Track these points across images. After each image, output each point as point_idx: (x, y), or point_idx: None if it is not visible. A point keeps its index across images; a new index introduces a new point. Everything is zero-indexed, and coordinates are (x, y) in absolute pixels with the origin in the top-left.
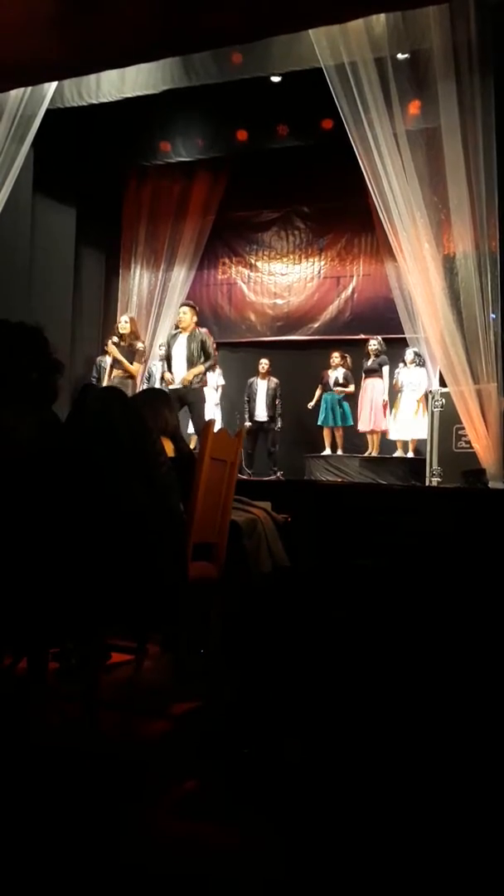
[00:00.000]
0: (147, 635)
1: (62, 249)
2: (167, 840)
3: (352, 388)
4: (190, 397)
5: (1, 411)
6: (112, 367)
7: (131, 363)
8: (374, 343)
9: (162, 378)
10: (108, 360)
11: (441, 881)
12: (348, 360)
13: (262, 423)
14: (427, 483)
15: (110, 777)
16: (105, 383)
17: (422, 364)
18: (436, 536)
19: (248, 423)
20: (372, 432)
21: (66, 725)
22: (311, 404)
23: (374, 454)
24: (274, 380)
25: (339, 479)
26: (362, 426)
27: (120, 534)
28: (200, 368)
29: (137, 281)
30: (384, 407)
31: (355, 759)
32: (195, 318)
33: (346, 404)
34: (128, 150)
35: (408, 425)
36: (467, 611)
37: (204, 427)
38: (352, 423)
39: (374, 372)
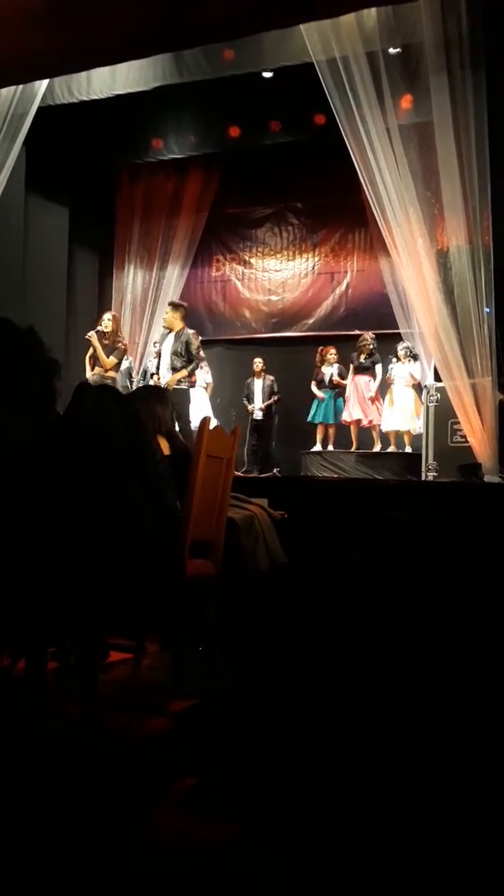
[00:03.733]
0: (145, 633)
1: (55, 248)
2: (168, 837)
3: (346, 382)
4: (173, 398)
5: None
6: (95, 361)
7: (108, 357)
8: (364, 340)
9: (152, 377)
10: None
11: (442, 877)
12: (340, 356)
13: (259, 421)
14: (423, 478)
15: (110, 775)
16: (88, 377)
17: (415, 357)
18: (432, 531)
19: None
20: (360, 426)
21: (66, 724)
22: (311, 413)
23: (378, 449)
24: (269, 377)
25: (336, 475)
26: (346, 417)
27: (117, 532)
28: (182, 374)
29: (131, 279)
30: (373, 401)
31: (355, 755)
32: (180, 319)
33: (339, 400)
34: (120, 148)
35: (403, 417)
36: (465, 604)
37: (200, 424)
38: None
39: (367, 370)
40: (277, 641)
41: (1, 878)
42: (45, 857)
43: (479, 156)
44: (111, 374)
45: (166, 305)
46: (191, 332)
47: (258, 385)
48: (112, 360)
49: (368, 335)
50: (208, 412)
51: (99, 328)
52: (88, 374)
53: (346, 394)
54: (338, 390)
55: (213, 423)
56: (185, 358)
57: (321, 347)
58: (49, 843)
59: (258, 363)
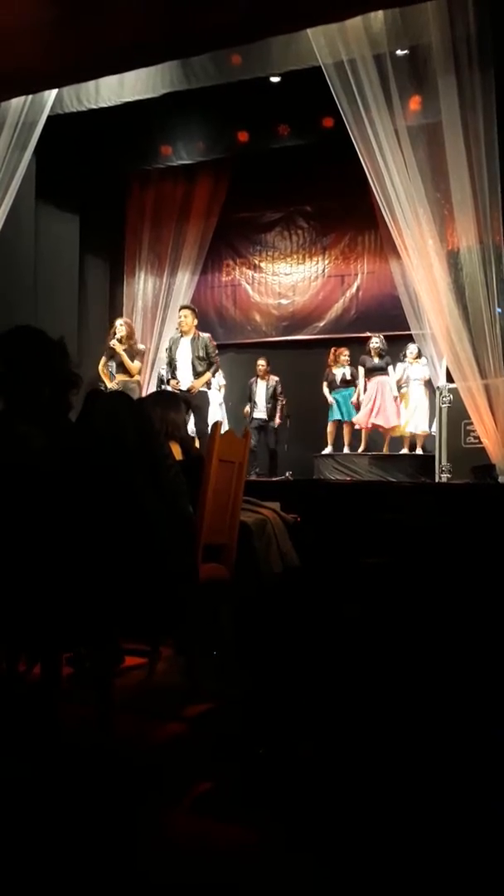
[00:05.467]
0: (159, 638)
1: (66, 257)
2: (183, 841)
3: (359, 383)
4: (195, 401)
5: (14, 420)
6: (115, 370)
7: (132, 361)
8: (376, 341)
9: (168, 383)
10: (111, 362)
11: (458, 878)
12: (351, 358)
13: (263, 422)
14: (436, 480)
15: (126, 780)
16: (111, 387)
17: (424, 361)
18: (446, 533)
19: (248, 413)
20: (379, 428)
21: (81, 729)
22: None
23: (387, 451)
24: (274, 378)
25: (348, 478)
26: (362, 421)
27: (130, 537)
28: (208, 376)
29: (142, 286)
30: (396, 402)
31: (370, 758)
32: (195, 321)
33: (351, 390)
34: (129, 155)
35: (419, 418)
36: (479, 607)
37: (211, 429)
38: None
39: (381, 370)
40: (291, 645)
41: (16, 882)
42: (60, 862)
43: (489, 155)
44: (136, 378)
45: (181, 309)
46: (206, 335)
47: (261, 385)
48: (137, 364)
49: (378, 337)
50: (222, 415)
51: (117, 335)
52: (109, 384)
53: (364, 397)
54: (353, 390)
55: (224, 426)
56: (207, 361)
57: (334, 348)
58: (64, 847)
59: (261, 365)
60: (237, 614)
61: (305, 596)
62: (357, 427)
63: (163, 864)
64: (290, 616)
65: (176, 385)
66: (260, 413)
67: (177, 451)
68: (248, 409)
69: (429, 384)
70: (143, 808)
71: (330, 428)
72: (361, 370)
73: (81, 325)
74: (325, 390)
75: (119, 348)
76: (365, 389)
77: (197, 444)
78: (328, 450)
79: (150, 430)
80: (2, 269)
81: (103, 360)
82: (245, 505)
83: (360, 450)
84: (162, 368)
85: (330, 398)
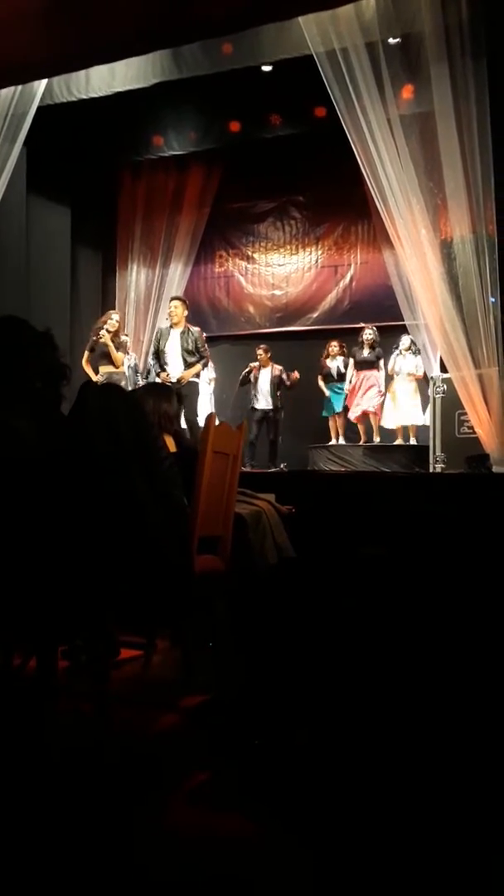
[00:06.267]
0: (155, 630)
1: (58, 248)
2: (181, 833)
3: (350, 375)
4: (184, 390)
5: (5, 412)
6: (97, 362)
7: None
8: (369, 333)
9: (157, 376)
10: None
11: (455, 870)
12: (345, 348)
13: (266, 412)
14: (431, 470)
15: (123, 772)
16: (96, 380)
17: (417, 352)
18: (441, 523)
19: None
20: (366, 418)
21: (77, 722)
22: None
23: (378, 441)
24: (277, 367)
25: (343, 469)
26: (354, 415)
27: (125, 530)
28: (198, 368)
29: (134, 277)
30: (381, 395)
31: (366, 748)
32: (186, 313)
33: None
34: (120, 146)
35: (406, 412)
36: (473, 597)
37: (206, 421)
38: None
39: (372, 364)
40: (287, 636)
41: (12, 876)
42: (57, 855)
43: (482, 144)
44: (121, 370)
45: (171, 300)
46: (196, 329)
47: (264, 374)
48: (122, 355)
49: (371, 328)
50: (212, 408)
51: (107, 328)
52: (94, 377)
53: (349, 388)
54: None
55: (218, 419)
56: (197, 355)
57: (327, 342)
58: (61, 840)
59: (262, 352)
60: (233, 606)
61: (301, 587)
62: (355, 420)
63: (161, 856)
64: (285, 607)
65: (166, 378)
66: (263, 404)
67: (171, 443)
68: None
69: (420, 377)
70: (140, 799)
71: (330, 423)
72: (351, 361)
73: (74, 318)
74: (321, 384)
75: (108, 339)
76: (350, 382)
77: (188, 435)
78: (333, 442)
79: (144, 422)
80: None
81: (86, 354)
82: (240, 497)
83: (361, 441)
84: (151, 360)
85: (326, 391)
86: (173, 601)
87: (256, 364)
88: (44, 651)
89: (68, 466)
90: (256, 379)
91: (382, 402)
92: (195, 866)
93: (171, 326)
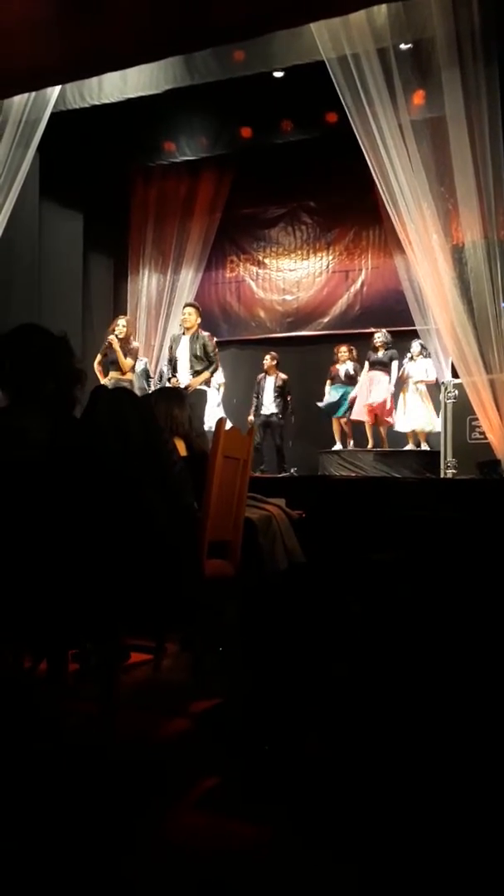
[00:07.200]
0: (165, 634)
1: (70, 253)
2: (190, 838)
3: (360, 378)
4: (191, 398)
5: (16, 413)
6: (108, 367)
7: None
8: (380, 336)
9: (168, 381)
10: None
11: (472, 869)
12: (354, 352)
13: (269, 418)
14: (442, 475)
15: (131, 777)
16: (104, 383)
17: (428, 356)
18: (452, 528)
19: (251, 418)
20: (373, 416)
21: (87, 725)
22: (323, 403)
23: (388, 447)
24: (282, 375)
25: (353, 474)
26: (357, 416)
27: (135, 533)
28: (205, 375)
29: (146, 282)
30: (391, 399)
31: (376, 754)
32: (199, 320)
33: (350, 388)
34: (132, 152)
35: (417, 417)
36: (485, 603)
37: (216, 425)
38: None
39: (383, 365)
40: (297, 640)
41: (18, 878)
42: (64, 858)
43: (494, 149)
44: (129, 376)
45: (185, 306)
46: (206, 333)
47: (269, 381)
48: (129, 362)
49: (383, 332)
50: (221, 412)
51: (116, 333)
52: (103, 380)
53: (356, 390)
54: (352, 388)
55: (228, 423)
56: (206, 360)
57: (336, 346)
58: (68, 843)
59: (268, 359)
60: (243, 611)
61: (311, 592)
62: (356, 420)
63: (168, 861)
64: (295, 612)
65: (175, 383)
66: (266, 409)
67: (181, 448)
68: (254, 405)
69: (430, 383)
70: (145, 803)
71: (335, 426)
72: (366, 364)
73: (86, 323)
74: (327, 385)
75: (116, 344)
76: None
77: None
78: (337, 447)
79: (154, 426)
80: (6, 266)
81: (99, 357)
82: (250, 501)
83: (368, 446)
84: (164, 366)
85: (326, 391)
86: (183, 605)
87: (263, 374)
88: (54, 654)
89: (78, 468)
90: (262, 386)
91: (389, 401)
92: (204, 872)
93: (183, 332)
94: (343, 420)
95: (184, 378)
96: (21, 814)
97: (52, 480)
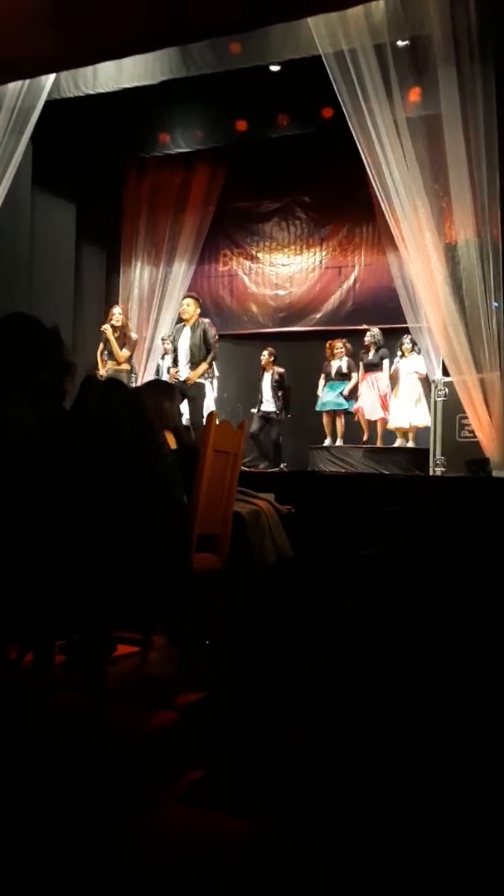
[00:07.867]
0: (152, 627)
1: (62, 244)
2: (176, 831)
3: (355, 376)
4: (191, 392)
5: (5, 403)
6: (104, 356)
7: (120, 350)
8: (370, 335)
9: (167, 372)
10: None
11: (455, 865)
12: (349, 348)
13: (269, 414)
14: (430, 472)
15: (117, 768)
16: (102, 373)
17: (419, 352)
18: (440, 526)
19: (253, 410)
20: (376, 421)
21: (73, 717)
22: (318, 405)
23: (379, 444)
24: (278, 370)
25: (343, 470)
26: (370, 415)
27: (124, 526)
28: (204, 367)
29: (138, 274)
30: (385, 398)
31: (362, 748)
32: (198, 311)
33: (343, 384)
34: (127, 143)
35: (408, 412)
36: (472, 599)
37: (206, 419)
38: (349, 409)
39: (376, 366)
40: (284, 635)
41: (8, 872)
42: (51, 851)
43: (488, 148)
44: (125, 366)
45: (184, 297)
46: (206, 321)
47: (266, 377)
48: (125, 352)
49: (374, 330)
50: (214, 407)
51: (111, 322)
52: (102, 370)
53: (359, 392)
54: (346, 383)
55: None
56: (205, 349)
57: (329, 342)
58: (52, 837)
59: (265, 355)
60: (230, 604)
61: (299, 586)
62: (361, 419)
63: (155, 854)
64: (283, 606)
65: (175, 374)
66: (266, 406)
67: (171, 440)
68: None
69: (422, 377)
70: (134, 796)
71: (325, 420)
72: (361, 365)
73: (77, 314)
74: (321, 382)
75: (110, 334)
76: (360, 383)
77: (192, 436)
78: (327, 441)
79: (143, 418)
80: None
81: (101, 345)
82: (239, 496)
83: (365, 438)
84: (161, 359)
85: (320, 389)
86: (170, 598)
87: (261, 370)
88: (41, 645)
89: (67, 459)
90: (260, 381)
91: (389, 395)
92: (187, 864)
93: (183, 324)
94: (339, 420)
95: (183, 371)
96: (6, 806)
97: (41, 471)
